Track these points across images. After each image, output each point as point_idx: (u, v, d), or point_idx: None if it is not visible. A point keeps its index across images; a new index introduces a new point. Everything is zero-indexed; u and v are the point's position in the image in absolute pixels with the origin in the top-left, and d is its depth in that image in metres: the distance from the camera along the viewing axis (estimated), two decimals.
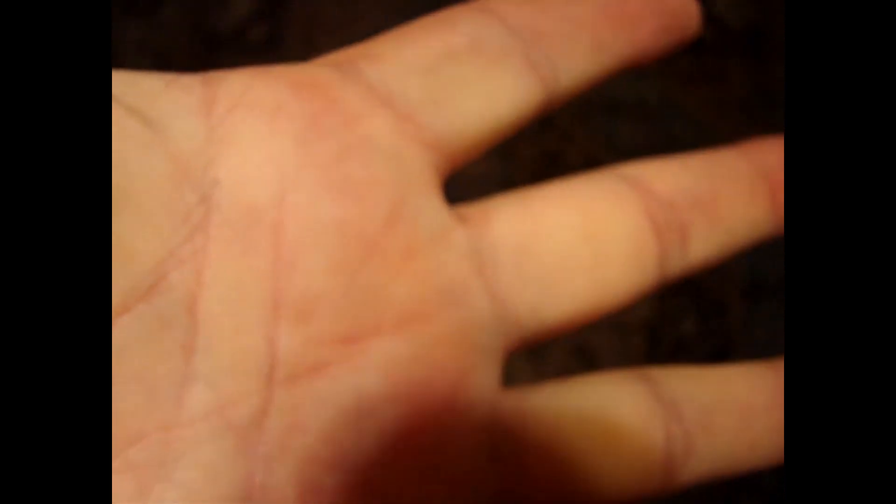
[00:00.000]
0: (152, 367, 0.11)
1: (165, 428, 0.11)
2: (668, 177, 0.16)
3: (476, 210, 0.15)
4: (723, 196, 0.16)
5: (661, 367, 0.16)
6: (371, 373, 0.13)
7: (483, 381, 0.14)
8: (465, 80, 0.14)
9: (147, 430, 0.11)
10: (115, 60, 0.53)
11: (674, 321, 0.50)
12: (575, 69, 0.15)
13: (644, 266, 0.15)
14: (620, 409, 0.15)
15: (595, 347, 0.49)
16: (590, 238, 0.15)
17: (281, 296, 0.12)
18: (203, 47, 0.58)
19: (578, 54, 0.15)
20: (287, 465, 0.12)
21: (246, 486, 0.12)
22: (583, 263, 0.15)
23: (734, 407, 0.15)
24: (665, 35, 0.16)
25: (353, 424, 0.13)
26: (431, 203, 0.14)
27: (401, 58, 0.14)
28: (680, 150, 0.17)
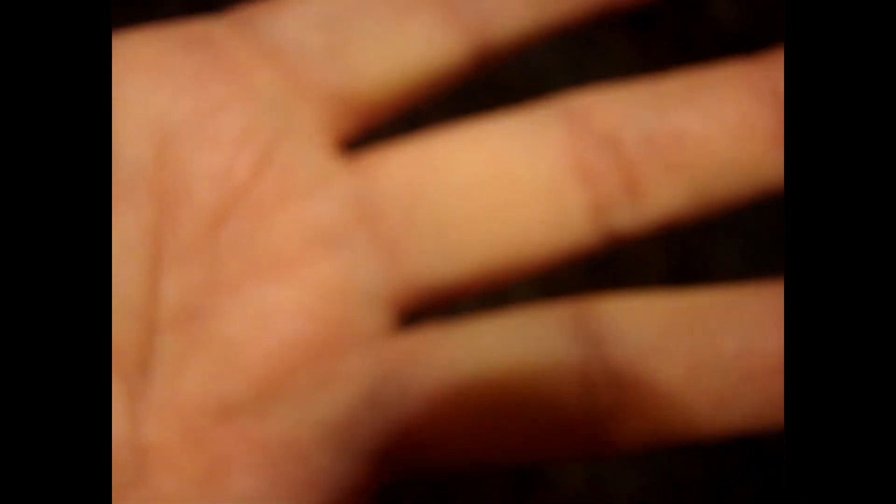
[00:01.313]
0: None
1: None
2: (618, 105, 0.14)
3: (374, 155, 0.14)
4: (692, 129, 0.13)
5: (605, 296, 0.13)
6: (242, 318, 0.13)
7: (361, 330, 0.13)
8: (368, 32, 0.13)
9: None
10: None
11: None
12: (515, 18, 0.14)
13: (568, 216, 0.13)
14: (531, 356, 0.13)
15: None
16: (494, 181, 0.13)
17: (161, 246, 0.13)
18: None
19: (520, 2, 0.14)
20: (169, 409, 0.13)
21: (135, 429, 0.12)
22: (485, 210, 0.13)
23: (689, 348, 0.13)
24: None
25: (224, 369, 0.13)
26: (313, 152, 0.13)
27: (302, 9, 0.14)
28: None
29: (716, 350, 0.13)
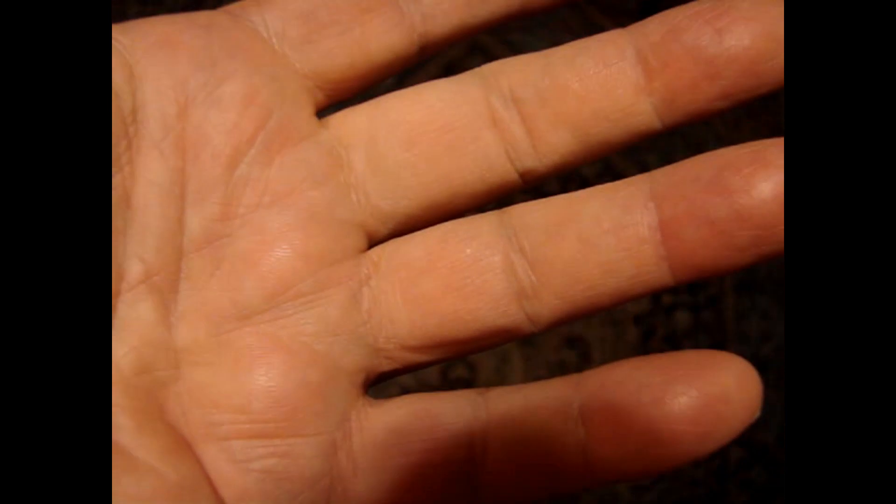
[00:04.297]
0: None
1: (114, 294, 0.15)
2: (518, 70, 0.17)
3: (339, 116, 0.17)
4: (570, 87, 0.16)
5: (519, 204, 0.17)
6: (251, 239, 0.16)
7: (343, 247, 0.17)
8: (337, 26, 0.17)
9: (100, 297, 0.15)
10: None
11: (667, 314, 0.50)
12: (448, 19, 0.17)
13: (487, 156, 0.17)
14: (462, 246, 0.16)
15: (588, 339, 0.50)
16: (429, 130, 0.17)
17: (186, 186, 0.16)
18: None
19: (451, 6, 0.17)
20: (197, 316, 0.16)
21: (169, 333, 0.16)
22: (423, 153, 0.17)
23: (576, 230, 0.16)
24: None
25: (240, 281, 0.16)
26: (301, 114, 0.17)
27: (284, 5, 0.17)
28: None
29: (597, 227, 0.16)
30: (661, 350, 0.50)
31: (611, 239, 0.16)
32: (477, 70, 0.17)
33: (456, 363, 0.45)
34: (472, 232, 0.17)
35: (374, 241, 0.17)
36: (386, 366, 0.17)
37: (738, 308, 0.50)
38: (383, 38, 0.17)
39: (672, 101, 0.16)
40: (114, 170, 0.15)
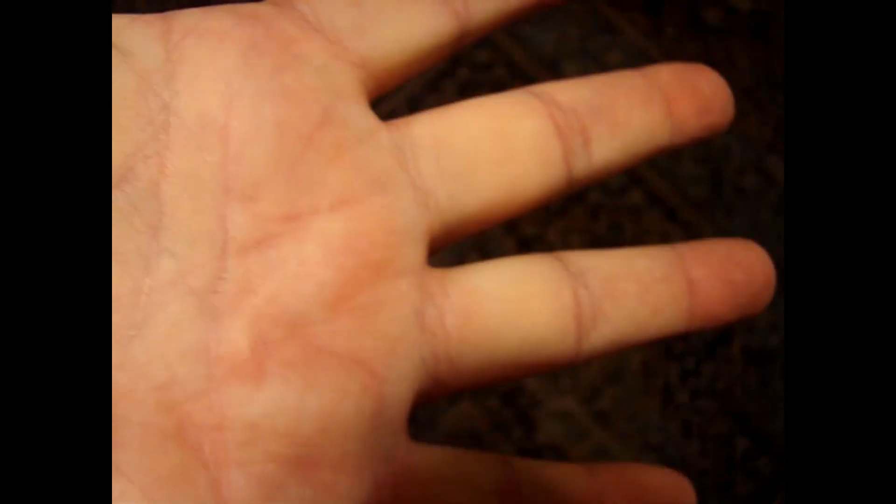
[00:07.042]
0: (124, 243, 0.14)
1: (136, 293, 0.14)
2: (570, 90, 0.18)
3: (400, 120, 0.17)
4: (619, 105, 0.18)
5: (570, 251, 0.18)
6: (311, 244, 0.15)
7: (408, 258, 0.16)
8: (384, 13, 0.16)
9: (119, 295, 0.14)
10: None
11: None
12: (487, 6, 0.17)
13: (549, 162, 0.17)
14: (532, 280, 0.17)
15: None
16: (497, 136, 0.17)
17: (230, 183, 0.15)
18: None
19: None
20: (239, 322, 0.15)
21: (204, 339, 0.14)
22: (492, 158, 0.17)
23: (634, 276, 0.17)
24: None
25: (295, 286, 0.15)
26: (358, 110, 0.16)
27: None
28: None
29: (649, 274, 0.17)
30: (670, 343, 0.50)
31: (663, 286, 0.17)
32: (526, 88, 0.18)
33: None
34: (539, 269, 0.17)
35: (433, 246, 0.17)
36: (435, 392, 0.16)
37: None
38: (429, 23, 0.17)
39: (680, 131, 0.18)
40: (138, 158, 0.14)
